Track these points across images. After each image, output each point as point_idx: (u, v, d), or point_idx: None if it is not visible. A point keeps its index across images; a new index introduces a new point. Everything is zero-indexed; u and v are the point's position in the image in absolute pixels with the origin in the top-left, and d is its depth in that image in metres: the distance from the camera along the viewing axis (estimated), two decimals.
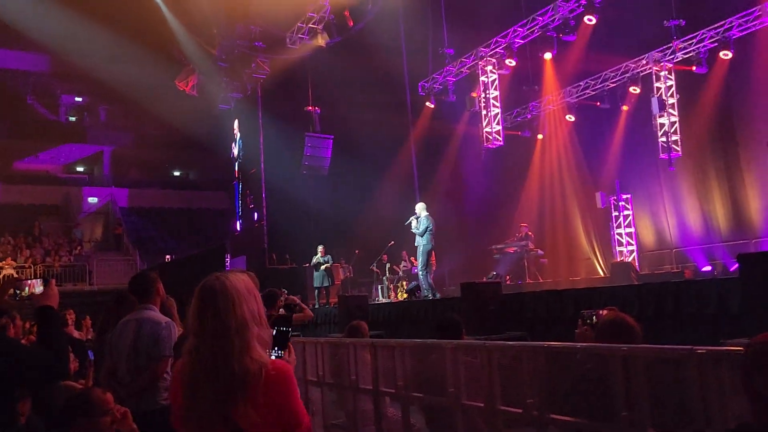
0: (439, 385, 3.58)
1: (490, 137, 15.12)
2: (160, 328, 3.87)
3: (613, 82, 15.25)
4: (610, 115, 15.61)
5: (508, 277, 14.19)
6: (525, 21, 14.18)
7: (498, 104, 15.37)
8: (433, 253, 11.01)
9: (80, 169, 28.18)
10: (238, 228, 19.67)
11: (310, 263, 14.32)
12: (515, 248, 14.46)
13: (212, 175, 26.76)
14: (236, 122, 20.17)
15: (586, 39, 13.96)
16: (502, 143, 15.25)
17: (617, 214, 15.03)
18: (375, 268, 15.17)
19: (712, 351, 2.33)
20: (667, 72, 14.03)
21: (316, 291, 13.88)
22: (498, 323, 6.78)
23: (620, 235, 15.02)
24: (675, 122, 13.83)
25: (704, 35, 13.08)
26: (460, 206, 18.20)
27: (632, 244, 14.96)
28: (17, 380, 2.30)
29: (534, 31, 14.18)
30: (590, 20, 12.94)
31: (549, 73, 16.20)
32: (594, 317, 3.69)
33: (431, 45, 15.82)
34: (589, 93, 15.87)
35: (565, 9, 13.26)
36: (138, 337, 3.86)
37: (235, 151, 20.28)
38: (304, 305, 6.77)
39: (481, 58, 15.25)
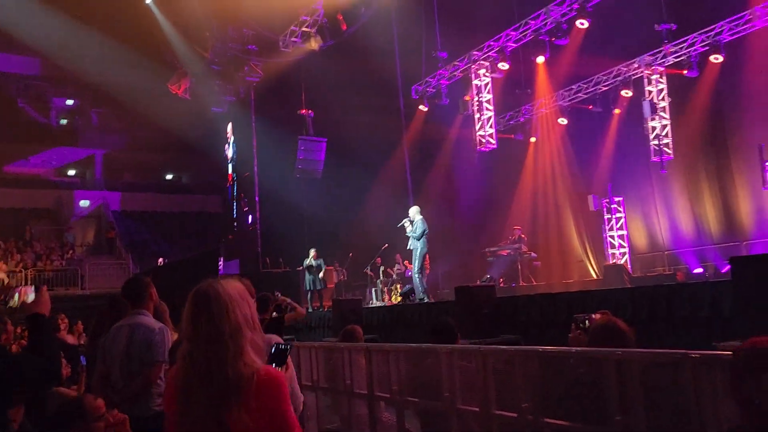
0: (434, 389, 3.58)
1: (483, 140, 15.16)
2: (153, 334, 3.84)
3: (605, 86, 15.33)
4: (602, 119, 15.70)
5: (501, 280, 14.23)
6: (517, 25, 14.25)
7: (491, 107, 15.42)
8: (427, 256, 11.02)
9: (72, 172, 28.01)
10: (233, 231, 19.61)
11: (302, 266, 14.29)
12: (508, 251, 14.50)
13: (205, 179, 26.68)
14: (230, 125, 20.13)
15: (578, 43, 14.04)
16: (495, 146, 15.30)
17: (609, 216, 15.10)
18: (369, 272, 15.16)
19: (706, 355, 2.34)
20: (658, 75, 14.13)
21: (309, 294, 13.85)
22: (492, 327, 6.79)
23: (612, 237, 15.09)
24: (666, 125, 13.93)
25: (695, 39, 13.19)
26: (454, 209, 18.23)
27: (624, 247, 15.03)
28: (9, 387, 2.29)
29: (526, 34, 14.26)
30: (582, 24, 13.04)
31: (542, 77, 16.28)
32: (587, 321, 3.71)
33: (424, 48, 15.85)
34: (581, 96, 15.95)
35: (557, 13, 13.35)
36: (131, 342, 3.83)
37: (230, 154, 20.24)
38: (295, 304, 6.75)
39: (474, 61, 15.30)
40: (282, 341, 3.29)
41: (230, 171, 20.19)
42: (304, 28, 15.87)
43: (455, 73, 16.00)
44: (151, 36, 18.66)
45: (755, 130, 12.68)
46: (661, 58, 13.85)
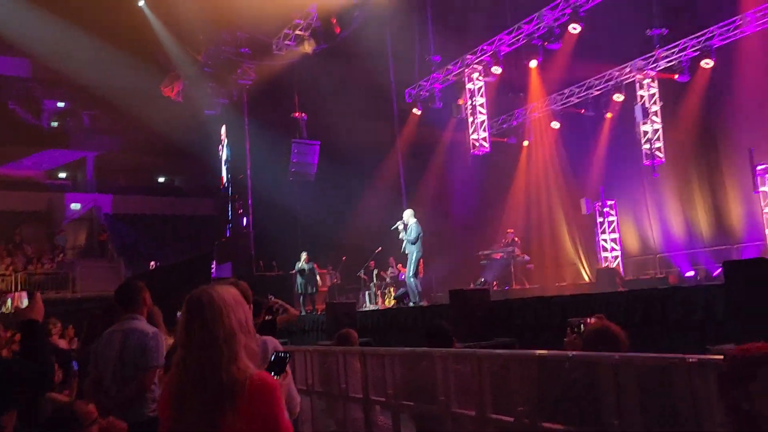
0: (430, 393, 3.58)
1: (477, 144, 15.20)
2: (147, 339, 3.82)
3: (597, 90, 15.43)
4: (594, 123, 15.80)
5: (495, 283, 14.25)
6: (511, 29, 14.32)
7: (484, 111, 15.47)
8: (420, 260, 11.02)
9: (63, 175, 27.81)
10: (228, 233, 19.52)
11: (294, 269, 14.26)
12: (502, 254, 14.53)
13: (198, 182, 26.56)
14: (224, 127, 20.05)
15: (571, 47, 14.13)
16: (488, 150, 15.34)
17: (602, 220, 15.18)
18: (362, 275, 15.14)
19: (703, 359, 2.35)
20: (650, 80, 14.24)
21: (301, 298, 13.81)
22: (486, 330, 6.79)
23: (605, 240, 15.17)
24: (658, 129, 14.04)
25: (686, 44, 13.31)
26: (447, 212, 18.26)
27: (617, 250, 15.11)
28: (2, 392, 2.27)
29: (520, 39, 14.33)
30: (575, 29, 13.12)
31: (534, 81, 16.36)
32: (582, 325, 3.72)
33: (418, 52, 15.90)
34: (573, 100, 16.04)
35: (550, 18, 13.43)
36: (124, 347, 3.80)
37: (224, 156, 20.15)
38: (287, 305, 6.71)
39: (468, 65, 15.36)
40: (279, 343, 3.28)
41: (224, 173, 20.09)
42: (297, 32, 15.86)
43: (448, 76, 16.05)
44: (144, 38, 18.58)
45: (746, 134, 12.80)
46: (653, 63, 13.96)
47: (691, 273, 13.23)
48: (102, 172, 27.30)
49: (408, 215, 10.60)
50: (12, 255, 20.90)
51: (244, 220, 18.70)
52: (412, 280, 10.59)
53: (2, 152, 24.28)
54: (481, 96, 15.50)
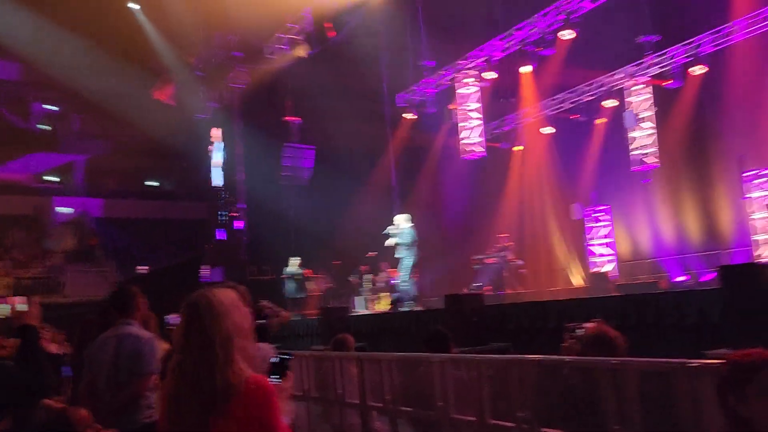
0: (428, 398, 3.56)
1: (469, 149, 15.23)
2: (141, 344, 3.78)
3: (589, 96, 15.52)
4: (586, 128, 15.89)
5: (488, 288, 14.25)
6: (504, 35, 14.39)
7: (477, 116, 15.51)
8: (413, 264, 11.00)
9: (52, 178, 27.56)
10: (220, 237, 19.41)
11: (284, 274, 14.20)
12: (495, 259, 14.53)
13: (189, 186, 26.40)
14: (214, 130, 19.95)
15: (563, 53, 14.22)
16: (484, 154, 15.38)
17: (594, 225, 15.25)
18: (354, 279, 15.09)
19: (704, 364, 2.36)
20: (641, 86, 14.34)
21: (292, 302, 13.74)
22: (481, 334, 6.79)
23: (597, 245, 15.24)
24: (650, 135, 14.12)
25: (677, 51, 13.42)
26: (440, 217, 18.28)
27: (608, 255, 15.18)
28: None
29: (512, 45, 14.41)
30: (567, 35, 13.21)
31: (527, 87, 16.44)
32: (580, 330, 3.72)
33: (411, 57, 15.94)
34: (566, 106, 16.13)
35: (543, 24, 13.52)
36: (119, 353, 3.75)
37: (216, 158, 20.05)
38: (278, 308, 6.66)
39: (461, 70, 15.40)
40: (274, 349, 3.25)
41: (217, 176, 19.98)
42: (291, 36, 15.87)
43: (442, 81, 16.09)
44: (136, 41, 18.50)
45: (735, 140, 12.93)
46: (644, 69, 14.07)
47: (681, 278, 13.32)
48: (92, 176, 27.08)
49: (402, 220, 10.59)
50: (1, 259, 20.68)
51: (235, 224, 18.62)
52: (405, 284, 10.58)
53: None
54: (474, 101, 15.54)
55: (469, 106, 15.36)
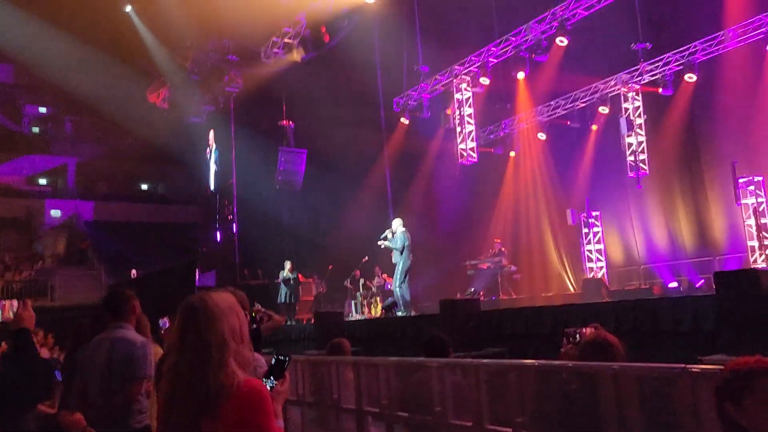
0: (425, 403, 3.53)
1: (465, 154, 15.26)
2: (134, 348, 3.71)
3: (583, 102, 15.62)
4: (580, 134, 15.97)
5: (482, 293, 14.25)
6: (499, 41, 14.46)
7: (472, 121, 15.55)
8: (408, 269, 10.94)
9: (43, 181, 27.36)
10: (218, 239, 19.29)
11: (279, 278, 14.13)
12: (489, 264, 14.56)
13: (182, 189, 26.28)
14: (211, 133, 19.87)
15: (558, 60, 14.30)
16: (476, 160, 15.41)
17: (587, 230, 15.30)
18: (348, 284, 15.05)
19: (704, 370, 2.35)
20: (634, 93, 14.44)
21: (286, 307, 13.67)
22: (477, 340, 6.77)
23: (590, 251, 15.29)
24: (642, 142, 14.21)
25: (670, 58, 13.54)
26: (434, 222, 18.27)
27: (602, 261, 15.23)
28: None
29: (507, 50, 14.47)
30: (562, 42, 13.28)
31: (522, 92, 16.52)
32: (578, 335, 3.71)
33: (406, 62, 15.96)
34: (560, 112, 16.21)
35: (537, 30, 13.58)
36: (111, 357, 3.69)
37: (213, 162, 19.95)
38: (271, 312, 6.61)
39: (456, 75, 15.44)
40: (262, 357, 3.19)
41: (213, 179, 19.88)
42: (286, 40, 15.83)
43: (437, 86, 16.13)
44: (130, 44, 18.41)
45: (728, 147, 13.03)
46: (638, 76, 14.17)
47: (674, 284, 13.37)
48: (84, 179, 26.92)
49: (396, 224, 10.58)
50: None
51: (229, 228, 18.53)
52: (398, 290, 10.54)
53: None
54: (469, 106, 15.58)
55: (464, 111, 15.40)
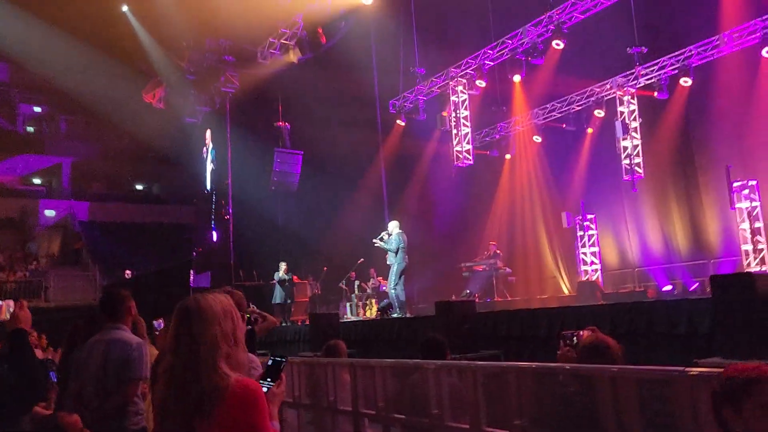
0: (422, 405, 3.53)
1: (461, 156, 15.27)
2: (130, 350, 3.69)
3: (578, 105, 15.66)
4: (575, 137, 16.01)
5: (477, 295, 14.26)
6: (495, 43, 14.48)
7: (468, 124, 15.57)
8: (403, 271, 10.93)
9: (37, 181, 27.23)
10: (215, 239, 19.22)
11: (274, 279, 14.11)
12: (484, 266, 14.57)
13: (177, 190, 26.20)
14: (208, 132, 19.80)
15: (554, 63, 14.33)
16: (472, 162, 15.43)
17: (582, 233, 15.33)
18: (343, 286, 15.03)
19: (702, 373, 2.35)
20: (630, 97, 14.49)
21: (281, 308, 13.65)
22: (472, 342, 6.77)
23: (585, 254, 15.32)
24: (637, 145, 14.25)
25: (665, 62, 13.59)
26: (429, 224, 18.28)
27: (596, 263, 15.26)
28: None
29: (504, 53, 14.50)
30: (558, 45, 13.32)
31: (518, 95, 16.55)
32: (575, 338, 3.71)
33: (402, 64, 15.97)
34: (555, 115, 16.25)
35: (533, 33, 13.62)
36: (107, 359, 3.67)
37: (209, 161, 19.89)
38: (264, 313, 6.60)
39: (452, 78, 15.46)
40: (257, 359, 3.18)
41: (209, 178, 19.80)
42: (283, 41, 15.83)
43: (433, 89, 16.14)
44: (126, 44, 18.36)
45: (722, 151, 13.08)
46: (633, 80, 14.22)
47: (668, 287, 13.40)
48: (78, 179, 26.83)
49: (392, 226, 10.58)
50: None
51: (226, 227, 18.48)
52: (393, 291, 10.54)
53: None
54: (465, 109, 15.60)
55: (460, 113, 15.42)
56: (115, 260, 22.15)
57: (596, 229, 15.37)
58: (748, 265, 11.83)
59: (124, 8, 18.11)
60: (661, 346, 5.60)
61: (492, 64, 14.95)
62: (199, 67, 17.51)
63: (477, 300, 13.82)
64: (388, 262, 10.67)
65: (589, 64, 14.64)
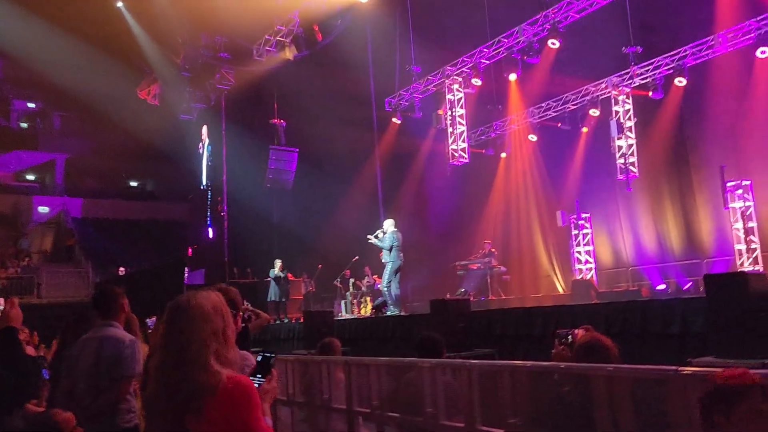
0: (417, 404, 3.52)
1: (456, 154, 15.28)
2: (123, 347, 3.67)
3: (573, 105, 15.68)
4: (570, 136, 16.03)
5: (471, 294, 14.28)
6: (491, 42, 14.48)
7: (464, 122, 15.57)
8: (397, 269, 10.93)
9: (31, 177, 27.07)
10: (210, 236, 19.16)
11: (269, 277, 14.09)
12: (479, 265, 14.58)
13: (171, 186, 26.12)
14: (204, 128, 19.72)
15: (550, 62, 14.34)
16: (467, 161, 15.44)
17: (577, 232, 15.37)
18: (338, 284, 15.03)
19: (696, 372, 2.35)
20: (624, 96, 14.52)
21: (276, 305, 13.63)
22: (466, 340, 6.77)
23: (579, 253, 15.36)
24: (632, 145, 14.29)
25: (660, 62, 13.63)
26: (424, 222, 18.28)
27: (591, 262, 15.30)
28: None
29: (499, 52, 14.50)
30: (553, 44, 13.33)
31: (513, 94, 16.56)
32: (570, 337, 3.71)
33: (398, 62, 15.96)
34: (551, 114, 16.27)
35: (529, 32, 13.62)
36: (99, 356, 3.64)
37: (205, 157, 19.81)
38: (257, 311, 6.58)
39: (448, 76, 15.45)
40: (252, 356, 3.16)
41: (205, 174, 19.72)
42: (278, 38, 15.78)
43: (429, 87, 16.14)
44: (121, 40, 18.25)
45: (716, 151, 13.13)
46: (628, 80, 14.25)
47: (662, 286, 13.45)
48: (72, 175, 26.69)
49: (387, 224, 10.58)
50: None
51: (221, 224, 18.43)
52: (386, 289, 10.54)
53: None
54: (461, 107, 15.60)
55: (456, 111, 15.42)
56: (108, 257, 22.05)
57: (591, 228, 15.41)
58: (742, 264, 11.88)
59: (119, 4, 18.01)
60: (656, 345, 5.62)
61: (488, 62, 14.96)
62: (194, 63, 17.44)
63: (471, 298, 13.80)
64: (382, 260, 10.67)
65: (584, 63, 14.66)
